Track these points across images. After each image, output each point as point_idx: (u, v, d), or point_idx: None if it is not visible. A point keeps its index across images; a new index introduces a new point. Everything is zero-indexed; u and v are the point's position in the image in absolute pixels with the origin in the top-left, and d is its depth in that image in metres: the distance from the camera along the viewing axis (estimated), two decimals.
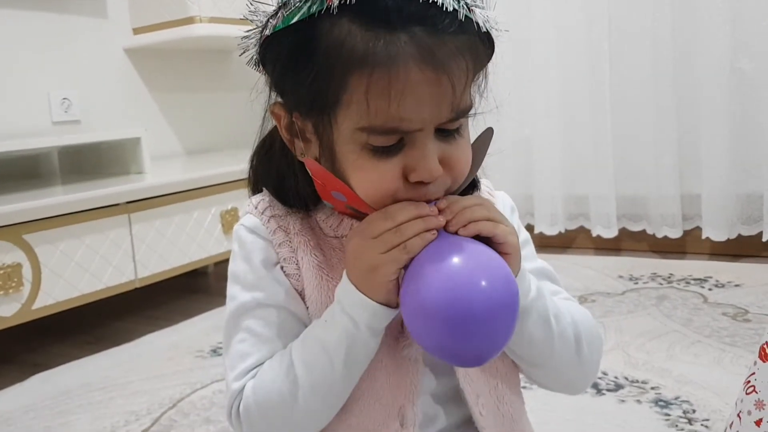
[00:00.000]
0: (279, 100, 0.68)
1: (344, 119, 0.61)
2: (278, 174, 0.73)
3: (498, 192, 0.80)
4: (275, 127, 0.72)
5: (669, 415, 1.24)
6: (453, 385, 0.70)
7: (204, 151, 2.81)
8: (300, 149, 0.68)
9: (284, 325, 0.69)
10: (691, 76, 2.30)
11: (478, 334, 0.53)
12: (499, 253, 0.61)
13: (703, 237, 2.33)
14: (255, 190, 0.77)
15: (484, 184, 0.79)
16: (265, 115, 0.73)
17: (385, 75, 0.58)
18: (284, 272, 0.70)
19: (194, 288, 2.49)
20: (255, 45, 0.67)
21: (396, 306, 0.63)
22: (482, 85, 0.69)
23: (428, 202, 0.63)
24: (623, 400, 1.31)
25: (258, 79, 0.71)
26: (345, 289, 0.64)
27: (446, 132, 0.63)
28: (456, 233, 0.61)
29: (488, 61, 0.67)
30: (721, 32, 2.21)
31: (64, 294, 1.74)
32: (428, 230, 0.60)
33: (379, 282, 0.61)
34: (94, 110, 2.40)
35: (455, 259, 0.57)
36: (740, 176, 2.27)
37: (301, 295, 0.70)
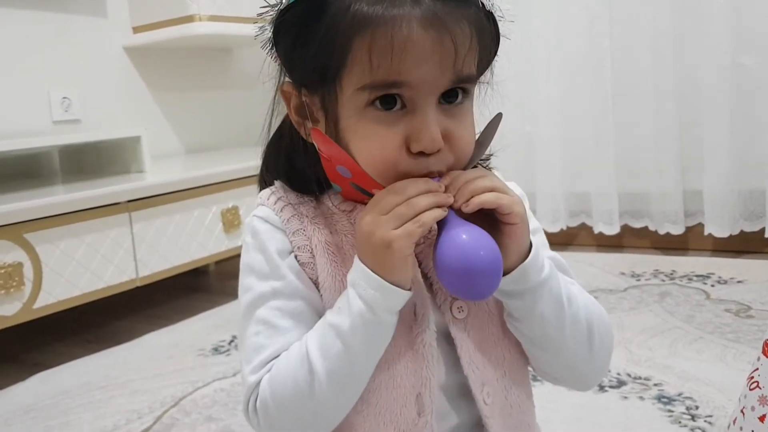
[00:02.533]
0: (288, 80, 0.69)
1: (348, 83, 0.62)
2: (288, 161, 0.73)
3: (509, 183, 0.79)
4: (284, 120, 0.74)
5: (672, 411, 1.24)
6: (462, 381, 0.69)
7: (204, 149, 2.80)
8: (308, 130, 0.68)
9: (301, 316, 0.68)
10: (692, 72, 2.30)
11: (480, 282, 0.61)
12: (505, 224, 0.62)
13: (706, 233, 2.33)
14: (266, 183, 0.77)
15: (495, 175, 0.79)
16: (273, 109, 0.74)
17: (388, 32, 0.59)
18: (298, 261, 0.69)
19: (195, 287, 2.49)
20: (270, 24, 0.68)
21: (410, 288, 0.63)
22: (488, 75, 0.70)
23: (431, 177, 0.63)
24: (626, 397, 1.31)
25: (265, 64, 0.71)
26: (358, 272, 0.63)
27: (448, 103, 0.64)
28: (460, 209, 0.62)
29: (494, 46, 0.68)
30: (723, 28, 2.20)
31: (65, 293, 1.74)
32: (438, 206, 0.61)
33: (395, 259, 0.61)
34: (94, 109, 2.40)
35: (464, 236, 0.61)
36: (742, 172, 2.26)
37: (316, 284, 0.69)
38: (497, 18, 0.66)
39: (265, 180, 0.78)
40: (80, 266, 1.76)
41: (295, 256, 0.70)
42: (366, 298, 0.62)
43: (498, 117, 0.71)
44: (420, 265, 0.70)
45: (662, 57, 2.33)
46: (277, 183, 0.75)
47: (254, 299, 0.69)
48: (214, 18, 2.38)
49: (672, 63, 2.32)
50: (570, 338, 0.69)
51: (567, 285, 0.70)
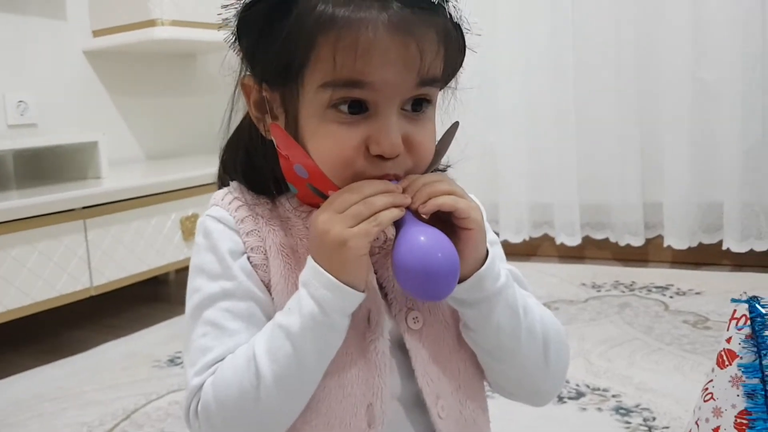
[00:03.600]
0: (249, 74, 0.68)
1: (311, 81, 0.62)
2: (247, 158, 0.72)
3: (469, 195, 0.79)
4: (243, 118, 0.72)
5: (629, 423, 1.24)
6: (416, 390, 0.68)
7: (165, 156, 2.75)
8: (268, 127, 0.67)
9: (251, 318, 0.66)
10: (653, 86, 2.33)
11: (437, 282, 0.61)
12: (462, 228, 0.62)
13: (665, 245, 2.36)
14: (223, 184, 0.75)
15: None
16: (232, 106, 0.72)
17: (353, 33, 0.59)
18: (251, 262, 0.67)
19: (154, 296, 2.44)
20: (234, 17, 0.66)
21: (363, 290, 0.62)
22: (453, 83, 0.70)
23: (389, 179, 0.63)
24: (584, 408, 1.31)
25: (226, 62, 0.70)
26: (310, 271, 0.62)
27: (411, 110, 0.64)
28: (417, 210, 0.61)
29: (460, 56, 0.68)
30: (683, 43, 2.24)
31: (16, 302, 1.68)
32: (395, 206, 0.61)
33: (350, 258, 0.60)
34: (51, 114, 2.34)
35: (422, 238, 0.61)
36: (701, 185, 2.30)
37: (268, 286, 0.67)
38: (464, 30, 0.66)
39: (222, 181, 0.76)
40: (32, 274, 1.71)
41: (248, 257, 0.68)
42: (317, 297, 0.60)
43: (455, 125, 0.71)
44: (375, 273, 0.68)
45: (624, 71, 2.36)
46: (234, 183, 0.73)
47: (202, 300, 0.67)
48: (176, 23, 2.34)
49: (633, 77, 2.35)
50: (525, 349, 0.68)
51: (523, 296, 0.69)
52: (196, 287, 0.68)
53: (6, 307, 1.66)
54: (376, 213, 0.60)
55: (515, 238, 2.60)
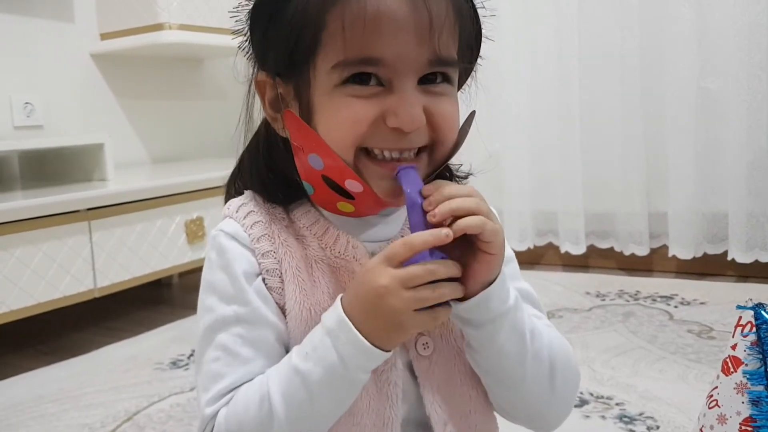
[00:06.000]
0: (262, 71, 0.67)
1: (322, 62, 0.60)
2: (267, 163, 0.70)
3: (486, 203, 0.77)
4: (260, 125, 0.71)
5: (633, 430, 1.23)
6: (424, 414, 0.67)
7: (171, 159, 2.76)
8: (284, 124, 0.66)
9: (264, 345, 0.64)
10: (658, 95, 2.33)
11: None
12: (483, 252, 0.59)
13: (670, 255, 2.35)
14: (235, 191, 0.73)
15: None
16: (248, 111, 0.71)
17: (361, 5, 0.57)
18: (266, 285, 0.65)
19: (158, 299, 2.44)
20: (246, 17, 0.66)
21: (390, 350, 0.59)
22: (472, 75, 0.69)
23: (406, 161, 0.61)
24: (588, 416, 1.30)
25: (237, 65, 0.70)
26: (338, 321, 0.59)
27: (430, 83, 0.62)
28: (436, 222, 0.58)
29: (474, 34, 0.66)
30: (688, 51, 2.23)
31: (19, 302, 1.69)
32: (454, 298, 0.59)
33: (400, 337, 0.59)
34: (57, 116, 2.35)
35: None
36: (706, 195, 2.29)
37: (282, 309, 0.65)
38: (476, 11, 0.65)
39: (235, 187, 0.74)
40: (36, 275, 1.71)
41: (263, 279, 0.65)
42: (342, 352, 0.58)
43: (472, 114, 0.70)
44: None
45: (629, 80, 2.36)
46: (248, 193, 0.71)
47: (215, 322, 0.65)
48: (184, 27, 2.35)
49: (638, 86, 2.34)
50: (530, 374, 0.65)
51: (532, 319, 0.67)
52: (209, 307, 0.66)
53: (9, 307, 1.66)
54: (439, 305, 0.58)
55: (519, 247, 2.59)
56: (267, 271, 0.66)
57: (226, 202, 0.73)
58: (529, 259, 2.63)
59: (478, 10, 0.65)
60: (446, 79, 0.63)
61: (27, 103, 2.25)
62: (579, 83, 2.45)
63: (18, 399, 1.57)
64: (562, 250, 2.54)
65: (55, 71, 2.36)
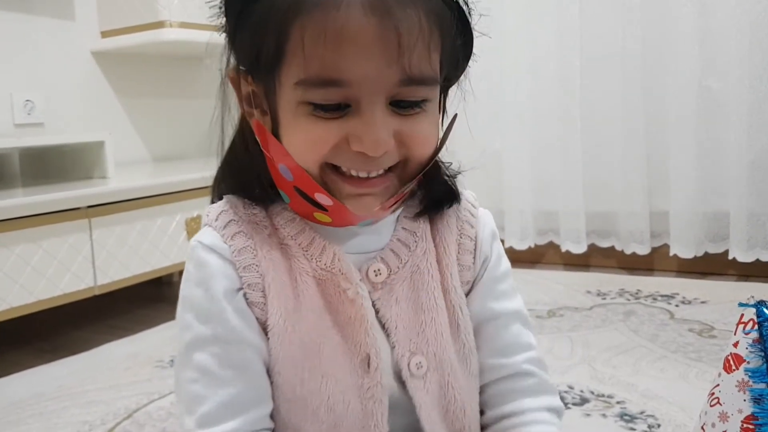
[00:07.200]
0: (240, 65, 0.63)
1: (286, 76, 0.56)
2: (244, 164, 0.67)
3: (482, 210, 0.74)
4: (239, 121, 0.68)
5: (634, 429, 1.23)
6: (412, 421, 0.66)
7: (171, 158, 2.76)
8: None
9: (243, 365, 0.62)
10: (659, 94, 2.32)
11: None
12: None
13: (671, 254, 2.34)
14: (216, 195, 0.70)
15: (466, 198, 0.73)
16: (222, 108, 0.68)
17: (322, 17, 0.52)
18: (247, 300, 0.63)
19: (158, 297, 2.44)
20: (221, 3, 0.63)
21: None
22: (460, 78, 0.64)
23: (373, 180, 0.58)
24: (588, 414, 1.30)
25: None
26: None
27: (403, 104, 0.57)
28: None
29: (463, 44, 0.61)
30: (690, 51, 2.23)
31: (19, 300, 1.68)
32: None
33: None
34: (58, 113, 2.35)
35: None
36: (707, 194, 2.29)
37: (264, 326, 0.64)
38: (467, 13, 0.60)
39: (217, 190, 0.71)
40: (36, 272, 1.71)
41: (244, 294, 0.63)
42: None
43: (453, 119, 0.67)
44: (377, 313, 0.65)
45: (630, 79, 2.35)
46: (229, 198, 0.68)
47: (193, 341, 0.63)
48: (185, 25, 2.35)
49: (640, 85, 2.34)
50: None
51: None
52: (187, 324, 0.65)
53: (9, 304, 1.66)
54: None
55: (520, 245, 2.59)
56: (249, 285, 0.63)
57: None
58: (530, 258, 2.63)
59: (471, 13, 0.61)
60: (425, 100, 0.59)
61: (28, 100, 2.25)
62: (580, 83, 2.44)
63: (18, 397, 1.57)
64: (563, 249, 2.54)
65: (55, 69, 2.36)
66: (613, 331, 1.76)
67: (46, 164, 2.21)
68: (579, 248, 2.50)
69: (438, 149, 0.63)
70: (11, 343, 1.97)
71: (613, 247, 2.50)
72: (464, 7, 0.59)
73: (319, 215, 0.63)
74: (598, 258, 2.55)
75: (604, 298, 2.06)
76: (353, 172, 0.59)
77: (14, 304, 1.67)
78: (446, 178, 0.70)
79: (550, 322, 1.86)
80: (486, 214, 0.74)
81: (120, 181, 2.01)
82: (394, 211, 0.67)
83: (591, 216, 2.50)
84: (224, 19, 0.63)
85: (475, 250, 0.71)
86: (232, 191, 0.68)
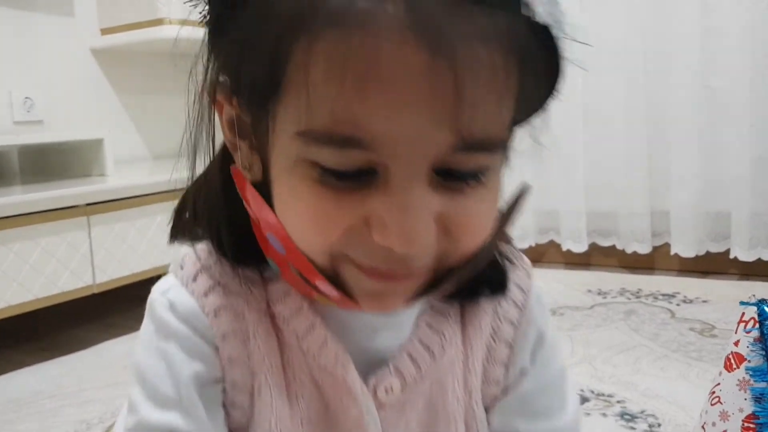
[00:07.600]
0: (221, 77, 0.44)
1: (284, 120, 0.38)
2: (226, 210, 0.49)
3: (534, 296, 0.56)
4: (220, 149, 0.50)
5: (634, 428, 1.22)
6: None
7: (171, 155, 2.74)
8: (244, 159, 0.44)
9: None
10: (661, 93, 2.31)
11: None
12: None
13: (672, 253, 2.33)
14: (181, 234, 0.53)
15: (515, 282, 0.55)
16: (196, 123, 0.50)
17: (340, 39, 0.33)
18: (226, 397, 0.48)
19: None
20: None
21: None
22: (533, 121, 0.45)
23: (398, 275, 0.41)
24: (589, 413, 1.29)
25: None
26: None
27: (454, 175, 0.38)
28: None
29: (546, 82, 0.43)
30: (692, 50, 2.22)
31: (17, 298, 1.67)
32: None
33: None
34: (57, 111, 2.34)
35: None
36: (709, 194, 2.28)
37: (241, 428, 0.49)
38: (555, 37, 0.39)
39: (181, 230, 0.53)
40: (34, 270, 1.70)
41: (224, 389, 0.48)
42: None
43: (524, 188, 0.49)
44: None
45: (632, 78, 2.34)
46: (205, 248, 0.49)
47: (138, 428, 0.47)
48: (184, 22, 2.34)
49: (642, 84, 2.33)
50: None
51: None
52: (134, 403, 0.48)
53: (7, 302, 1.65)
54: None
55: (521, 244, 2.58)
56: (233, 384, 0.48)
57: (173, 240, 0.51)
58: (531, 257, 2.54)
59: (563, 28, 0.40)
60: (480, 171, 0.40)
61: (27, 98, 2.24)
62: (582, 82, 2.44)
63: (16, 395, 1.57)
64: (564, 248, 2.53)
65: (55, 66, 2.35)
66: (614, 330, 1.75)
67: (45, 162, 2.21)
68: (580, 247, 2.50)
69: (496, 235, 0.46)
70: (9, 342, 1.96)
71: (614, 246, 2.50)
72: (554, 28, 0.39)
73: (319, 297, 0.46)
74: (598, 257, 2.54)
75: (605, 297, 2.06)
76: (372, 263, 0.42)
77: (12, 302, 1.66)
78: (496, 256, 0.52)
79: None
80: (537, 302, 0.55)
81: (119, 179, 2.00)
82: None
83: (592, 215, 2.50)
84: (206, 6, 0.45)
85: (508, 360, 0.54)
86: (209, 237, 0.50)
